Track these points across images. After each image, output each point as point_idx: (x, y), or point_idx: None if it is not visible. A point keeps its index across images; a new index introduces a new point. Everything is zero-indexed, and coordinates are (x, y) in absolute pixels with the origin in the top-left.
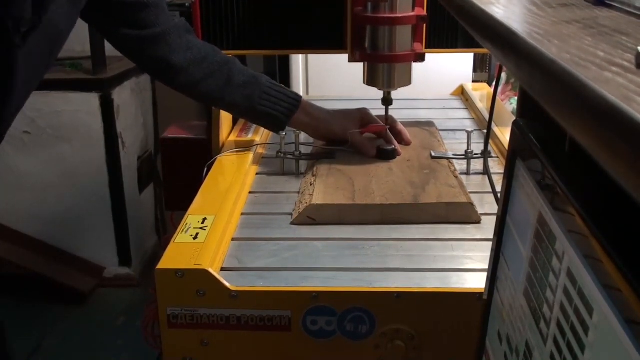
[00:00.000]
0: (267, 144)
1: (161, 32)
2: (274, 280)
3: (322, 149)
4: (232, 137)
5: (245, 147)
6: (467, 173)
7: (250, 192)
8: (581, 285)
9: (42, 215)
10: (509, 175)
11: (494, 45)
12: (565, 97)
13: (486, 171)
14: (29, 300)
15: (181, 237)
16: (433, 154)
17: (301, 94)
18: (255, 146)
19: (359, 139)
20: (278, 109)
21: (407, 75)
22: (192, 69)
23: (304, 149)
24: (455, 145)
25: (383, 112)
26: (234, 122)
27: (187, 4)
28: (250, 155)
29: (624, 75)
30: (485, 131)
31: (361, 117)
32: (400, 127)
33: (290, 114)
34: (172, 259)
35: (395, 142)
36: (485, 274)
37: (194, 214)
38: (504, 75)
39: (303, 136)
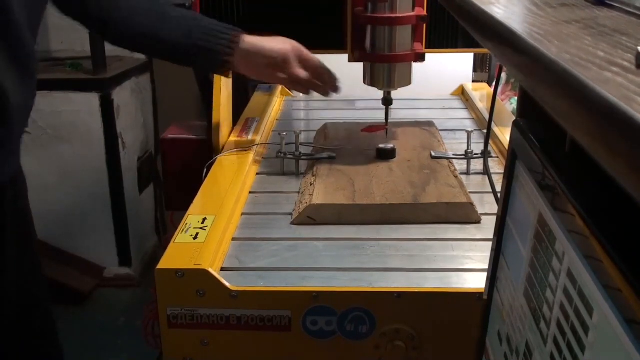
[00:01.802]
0: (267, 144)
1: None
2: (274, 280)
3: (322, 149)
4: (232, 138)
5: (245, 147)
6: (467, 173)
7: (250, 192)
8: (581, 286)
9: (42, 215)
10: (509, 175)
11: (494, 45)
12: (565, 97)
13: (486, 171)
14: None
15: (181, 237)
16: (433, 154)
17: (301, 93)
18: (255, 146)
19: (295, 75)
20: (221, 42)
21: (407, 75)
22: (122, 4)
23: (304, 149)
24: (455, 145)
25: (383, 112)
26: (234, 123)
27: (186, 4)
28: (251, 156)
29: (624, 75)
30: (485, 131)
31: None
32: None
33: (234, 45)
34: (172, 259)
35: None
36: (485, 274)
37: (194, 214)
38: (504, 75)
39: (303, 136)
